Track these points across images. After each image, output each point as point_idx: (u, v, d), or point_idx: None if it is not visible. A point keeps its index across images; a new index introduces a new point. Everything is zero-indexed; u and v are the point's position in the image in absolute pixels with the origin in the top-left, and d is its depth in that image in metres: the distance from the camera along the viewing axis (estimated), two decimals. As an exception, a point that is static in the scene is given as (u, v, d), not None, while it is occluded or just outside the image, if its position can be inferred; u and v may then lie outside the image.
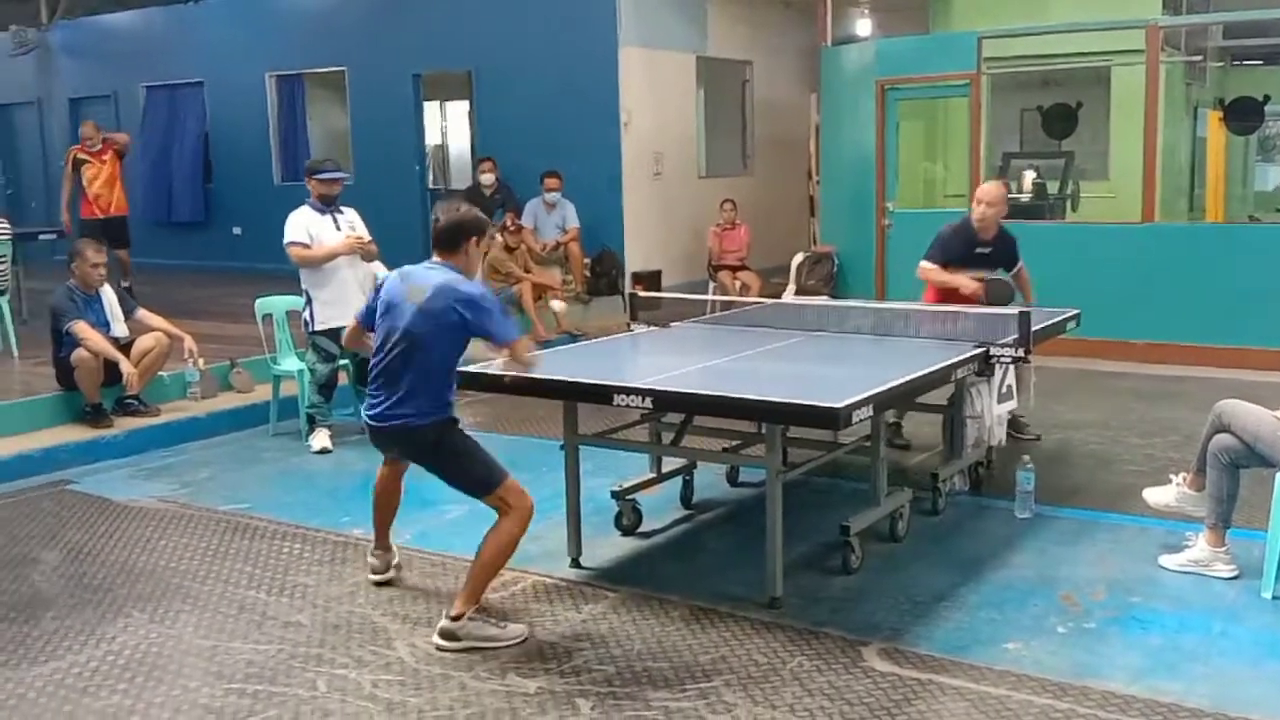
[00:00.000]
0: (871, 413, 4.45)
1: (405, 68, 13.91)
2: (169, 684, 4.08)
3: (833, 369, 5.50)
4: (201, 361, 7.87)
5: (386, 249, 7.52)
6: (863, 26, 15.70)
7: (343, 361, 7.51)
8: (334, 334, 7.30)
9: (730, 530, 5.71)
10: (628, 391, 4.57)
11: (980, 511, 5.84)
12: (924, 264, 6.87)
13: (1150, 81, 9.72)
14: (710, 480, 6.25)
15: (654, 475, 5.79)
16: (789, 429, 4.87)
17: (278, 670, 4.17)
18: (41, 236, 12.39)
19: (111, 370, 7.35)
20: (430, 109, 16.17)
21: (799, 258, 12.13)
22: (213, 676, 4.13)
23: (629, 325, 6.54)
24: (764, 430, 4.89)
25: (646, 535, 5.58)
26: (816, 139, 12.74)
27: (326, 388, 7.42)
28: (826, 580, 4.91)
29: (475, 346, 4.53)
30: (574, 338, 10.02)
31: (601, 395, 4.70)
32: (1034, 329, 5.45)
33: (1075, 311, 6.61)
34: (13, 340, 9.36)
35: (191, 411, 7.88)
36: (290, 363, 7.74)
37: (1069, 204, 11.92)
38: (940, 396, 5.92)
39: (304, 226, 7.22)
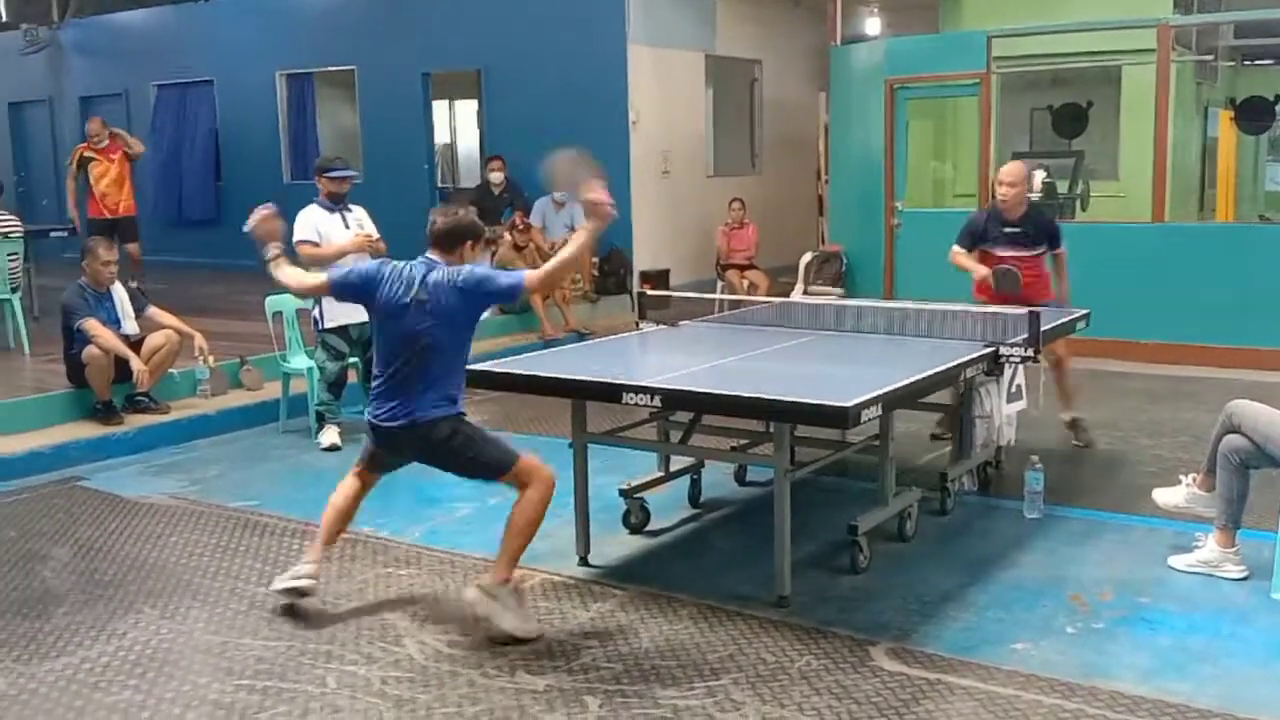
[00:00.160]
0: (880, 412, 4.45)
1: (415, 66, 13.93)
2: (179, 680, 4.10)
3: (841, 368, 5.50)
4: (211, 359, 7.91)
5: (395, 247, 7.49)
6: (872, 25, 15.68)
7: (352, 359, 7.53)
8: (343, 331, 7.32)
9: (738, 529, 5.72)
10: (636, 390, 4.58)
11: (989, 512, 5.84)
12: (953, 248, 6.99)
13: (1161, 81, 9.71)
14: (718, 479, 6.25)
15: (662, 474, 5.79)
16: (797, 428, 4.88)
17: (287, 666, 4.18)
18: (53, 234, 12.44)
19: (122, 367, 7.37)
20: (439, 108, 16.20)
21: (807, 257, 12.11)
22: (222, 672, 4.15)
23: (637, 324, 6.54)
24: (772, 429, 4.89)
25: (654, 534, 5.58)
26: (825, 138, 12.73)
27: (336, 385, 7.43)
28: (834, 579, 4.91)
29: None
30: (582, 336, 10.04)
31: (610, 394, 4.70)
32: (1043, 329, 5.44)
33: (1085, 311, 6.60)
34: (24, 337, 9.40)
35: (201, 409, 7.90)
36: (300, 360, 7.76)
37: (1079, 203, 11.90)
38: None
39: (313, 224, 7.24)
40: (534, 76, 12.91)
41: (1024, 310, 5.58)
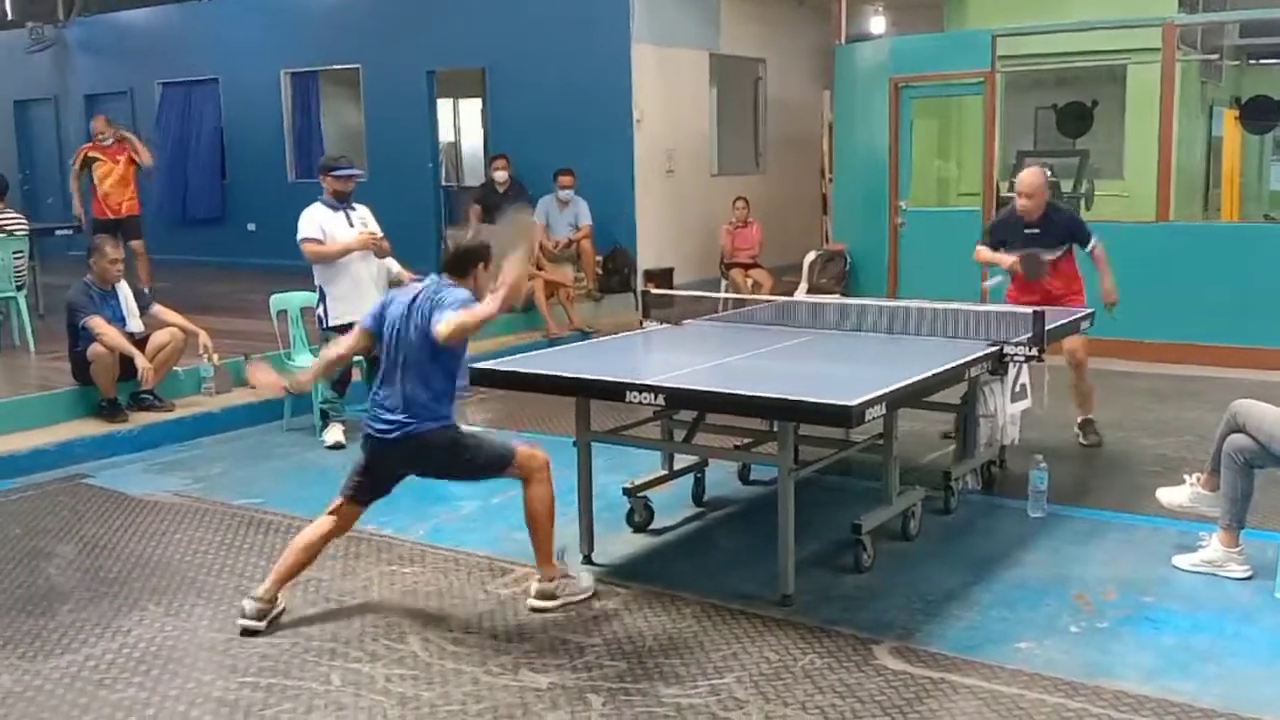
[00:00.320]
0: (884, 411, 4.45)
1: (419, 65, 13.93)
2: (183, 677, 4.11)
3: (845, 367, 5.50)
4: (216, 357, 7.91)
5: (399, 245, 7.55)
6: (877, 24, 15.67)
7: (356, 358, 7.53)
8: (348, 329, 7.31)
9: (742, 528, 5.72)
10: (640, 389, 4.58)
11: (993, 510, 5.84)
12: (978, 247, 7.13)
13: (1166, 80, 9.69)
14: (722, 478, 6.25)
15: (666, 472, 5.80)
16: (801, 427, 4.88)
17: (291, 664, 4.19)
18: (58, 232, 12.44)
19: (127, 365, 7.39)
20: (444, 106, 16.19)
21: (811, 256, 12.11)
22: (227, 670, 4.16)
23: (641, 323, 6.54)
24: (776, 428, 4.89)
25: (658, 532, 5.59)
26: (830, 137, 12.71)
27: (340, 383, 7.44)
28: (838, 578, 4.91)
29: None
30: (586, 335, 10.04)
31: (614, 392, 4.71)
32: (1048, 328, 5.44)
33: (1089, 311, 6.61)
34: (30, 335, 9.41)
35: (206, 406, 7.91)
36: (304, 358, 7.76)
37: (1083, 203, 11.88)
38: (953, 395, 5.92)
39: (317, 223, 7.24)
40: (539, 75, 12.91)
41: (1028, 309, 5.58)
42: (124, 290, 7.67)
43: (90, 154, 11.24)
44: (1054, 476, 5.75)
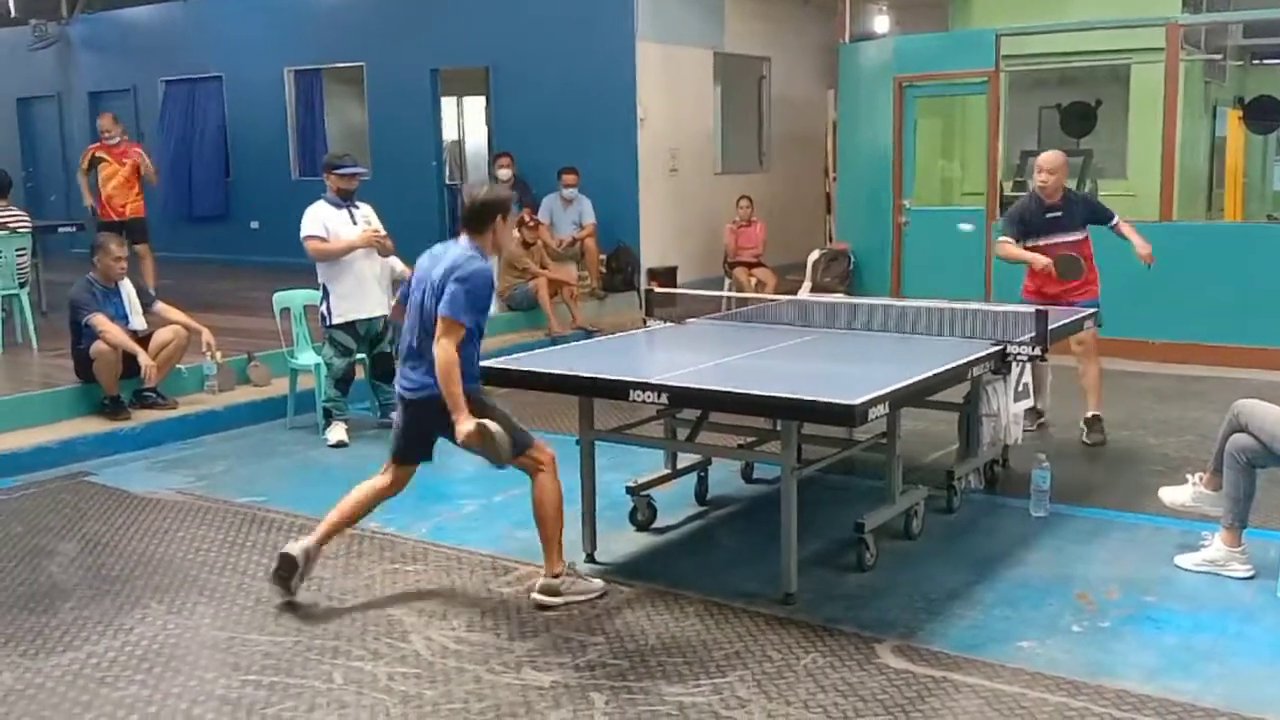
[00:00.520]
0: (887, 410, 4.45)
1: (423, 63, 13.93)
2: (186, 675, 4.11)
3: (848, 366, 5.50)
4: (219, 355, 7.92)
5: (403, 244, 7.54)
6: (881, 23, 15.67)
7: (359, 356, 7.54)
8: (351, 328, 7.33)
9: (745, 527, 5.72)
10: (644, 387, 4.58)
11: (995, 510, 5.84)
12: (1000, 240, 7.09)
13: (1169, 80, 9.68)
14: (725, 476, 6.25)
15: (669, 471, 5.79)
16: (804, 426, 4.88)
17: (294, 662, 4.19)
18: (61, 229, 12.45)
19: (130, 363, 7.39)
20: (448, 104, 16.20)
21: (815, 255, 12.11)
22: (229, 668, 4.16)
23: (645, 321, 6.55)
24: (779, 427, 4.89)
25: (661, 531, 5.59)
26: (833, 136, 12.72)
27: (343, 382, 7.44)
28: (841, 577, 4.91)
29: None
30: (589, 334, 10.04)
31: (617, 391, 4.72)
32: (1051, 327, 5.44)
33: (1092, 310, 6.60)
34: (32, 332, 9.42)
35: (209, 404, 7.92)
36: (307, 357, 7.77)
37: (1086, 202, 11.86)
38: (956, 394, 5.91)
39: (321, 221, 7.24)
40: (542, 73, 12.91)
41: (1030, 309, 5.58)
42: (127, 288, 7.68)
43: (97, 154, 11.20)
44: (1056, 476, 5.74)
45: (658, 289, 7.18)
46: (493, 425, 4.38)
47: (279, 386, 8.07)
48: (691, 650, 4.22)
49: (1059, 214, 6.95)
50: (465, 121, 18.54)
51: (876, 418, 4.35)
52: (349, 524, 4.86)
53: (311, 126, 15.59)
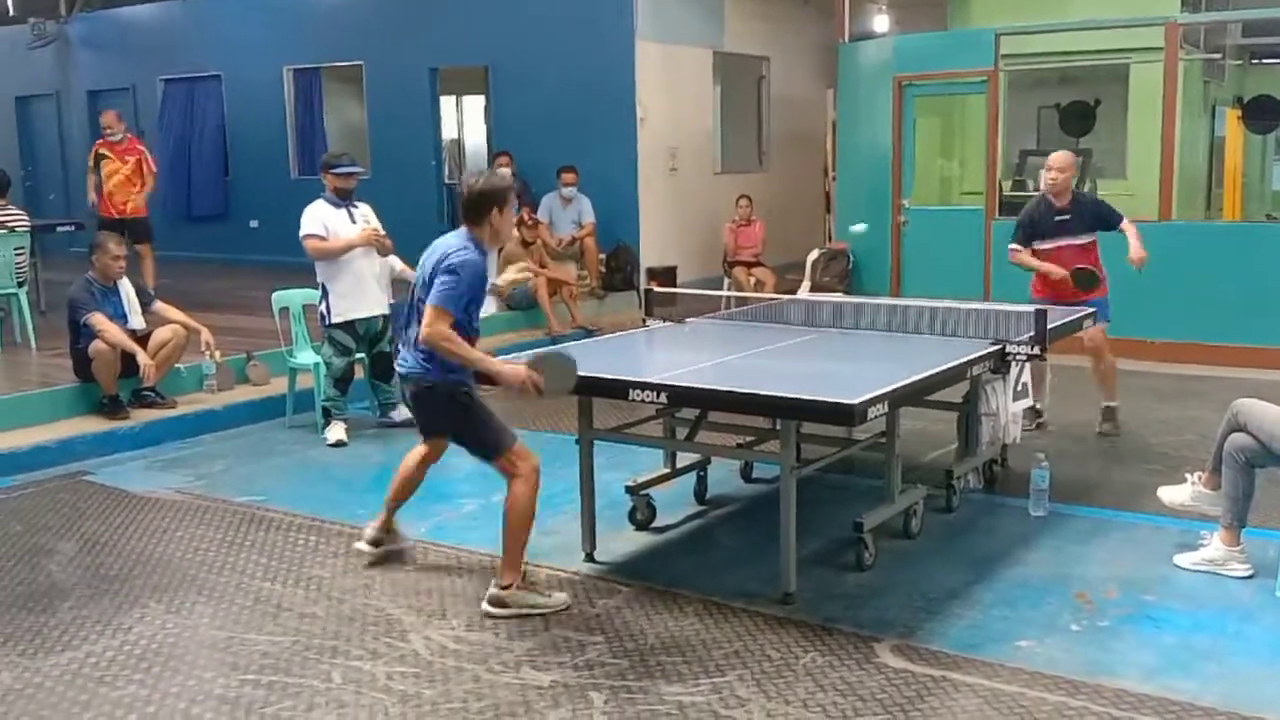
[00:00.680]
0: (886, 409, 4.45)
1: (422, 62, 13.93)
2: (185, 674, 4.11)
3: (847, 365, 5.50)
4: (218, 354, 7.92)
5: (402, 243, 7.54)
6: (880, 23, 15.65)
7: (358, 355, 7.54)
8: (350, 327, 7.33)
9: (744, 526, 5.72)
10: (643, 387, 4.58)
11: (994, 509, 5.84)
12: (1012, 248, 7.13)
13: (1169, 79, 9.68)
14: (724, 476, 6.25)
15: (668, 471, 5.80)
16: (803, 425, 4.88)
17: (292, 661, 4.19)
18: (59, 228, 12.43)
19: (129, 362, 7.38)
20: (447, 103, 16.20)
21: (814, 254, 12.10)
22: (228, 667, 4.16)
23: (644, 320, 6.54)
24: (778, 426, 4.89)
25: (660, 530, 5.59)
26: (833, 135, 12.71)
27: (342, 381, 7.44)
28: (840, 576, 4.91)
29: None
30: (589, 333, 10.04)
31: (617, 390, 4.71)
32: (1049, 327, 5.44)
33: (1091, 310, 6.60)
34: (31, 331, 9.42)
35: (208, 404, 7.91)
36: (306, 356, 7.77)
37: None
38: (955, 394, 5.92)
39: (320, 220, 7.24)
40: (542, 72, 12.90)
41: (1030, 308, 5.58)
42: (126, 287, 7.67)
43: (101, 150, 11.21)
44: (1055, 475, 5.75)
45: (657, 288, 7.18)
46: (546, 355, 4.54)
47: (278, 386, 8.07)
48: (691, 649, 4.22)
49: (1067, 217, 6.95)
50: (465, 120, 18.54)
51: (875, 417, 4.35)
52: (409, 493, 5.15)
53: (311, 126, 15.58)
